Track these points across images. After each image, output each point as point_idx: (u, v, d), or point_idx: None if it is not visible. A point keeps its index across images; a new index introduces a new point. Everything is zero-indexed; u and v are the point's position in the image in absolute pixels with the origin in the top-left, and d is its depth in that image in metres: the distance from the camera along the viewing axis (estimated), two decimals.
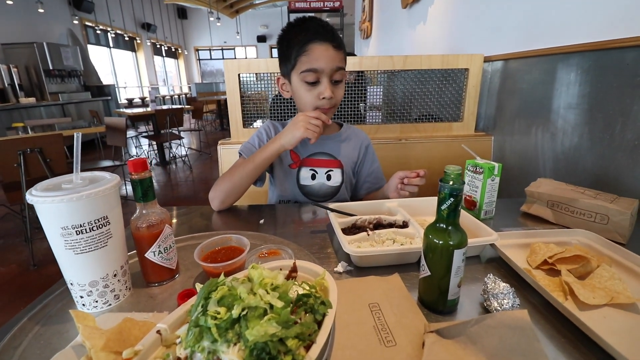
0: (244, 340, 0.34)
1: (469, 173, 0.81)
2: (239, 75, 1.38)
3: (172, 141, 4.67)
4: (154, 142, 4.44)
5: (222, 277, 0.40)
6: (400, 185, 0.84)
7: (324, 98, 0.87)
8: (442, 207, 0.46)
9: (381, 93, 1.61)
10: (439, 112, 1.50)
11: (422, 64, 1.40)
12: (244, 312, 0.36)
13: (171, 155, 4.83)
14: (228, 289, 0.38)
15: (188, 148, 5.40)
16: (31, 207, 2.79)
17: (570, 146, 1.04)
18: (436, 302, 0.49)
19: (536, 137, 1.19)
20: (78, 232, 0.46)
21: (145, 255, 0.55)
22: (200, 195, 3.46)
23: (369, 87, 1.60)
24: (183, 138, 4.76)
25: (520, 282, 0.56)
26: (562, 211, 0.75)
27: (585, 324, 0.43)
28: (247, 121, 1.46)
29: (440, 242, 0.46)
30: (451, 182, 0.45)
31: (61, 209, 0.45)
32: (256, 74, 1.42)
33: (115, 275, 0.52)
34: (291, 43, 0.87)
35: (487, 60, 1.41)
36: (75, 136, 0.49)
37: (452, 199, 0.45)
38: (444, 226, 0.47)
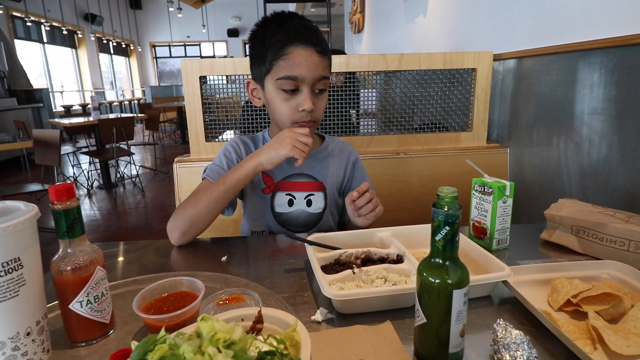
0: None
1: (476, 194, 0.83)
2: (200, 78, 1.40)
3: (120, 158, 4.62)
4: (97, 160, 4.39)
5: (162, 332, 0.39)
6: (356, 212, 0.87)
7: (303, 110, 0.88)
8: (437, 238, 0.47)
9: (375, 97, 1.66)
10: (444, 120, 1.55)
11: (421, 64, 1.46)
12: None
13: (118, 175, 4.78)
14: (169, 348, 0.38)
15: (140, 166, 5.36)
16: None
17: (598, 159, 1.08)
18: (435, 356, 0.49)
19: (558, 148, 1.23)
20: None
21: (70, 306, 0.53)
22: (154, 225, 3.41)
23: (361, 90, 1.64)
24: (134, 154, 4.73)
25: (539, 328, 0.56)
26: (590, 238, 0.77)
27: None
28: (210, 134, 1.47)
29: (437, 281, 0.47)
30: (446, 208, 0.46)
31: None
32: (224, 76, 1.45)
33: (28, 334, 0.50)
34: (267, 42, 0.88)
35: (497, 58, 1.48)
36: None
37: (447, 228, 0.46)
38: (440, 261, 0.47)
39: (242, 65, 1.39)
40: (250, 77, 0.99)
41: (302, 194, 1.01)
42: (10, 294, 0.47)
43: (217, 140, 1.48)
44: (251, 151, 1.04)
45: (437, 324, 0.48)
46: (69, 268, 0.53)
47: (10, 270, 0.47)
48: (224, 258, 0.82)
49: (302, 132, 0.85)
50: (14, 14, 7.21)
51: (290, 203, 1.01)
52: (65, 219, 0.52)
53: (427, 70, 1.48)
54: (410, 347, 0.53)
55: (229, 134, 1.52)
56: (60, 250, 0.54)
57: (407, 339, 0.55)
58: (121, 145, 4.40)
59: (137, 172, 4.85)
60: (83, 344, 0.56)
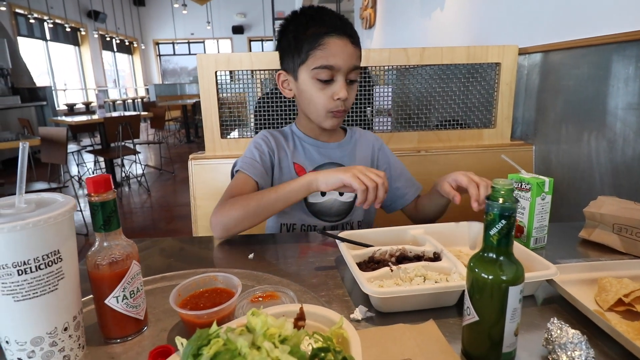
0: None
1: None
2: (216, 72, 1.40)
3: (125, 157, 4.65)
4: (102, 159, 4.42)
5: (214, 326, 0.39)
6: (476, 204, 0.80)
7: (338, 99, 0.92)
8: (491, 232, 0.46)
9: (391, 94, 1.65)
10: (466, 116, 1.54)
11: (443, 58, 1.45)
12: None
13: (124, 175, 4.81)
14: (224, 343, 0.37)
15: (145, 165, 5.39)
16: None
17: (633, 156, 1.07)
18: (487, 356, 0.48)
19: (589, 145, 1.22)
20: (21, 272, 0.45)
21: (106, 301, 0.53)
22: (161, 225, 3.42)
23: (376, 87, 1.63)
24: (139, 153, 4.75)
25: (590, 328, 0.55)
26: (633, 237, 0.76)
27: None
28: (225, 131, 1.47)
29: (491, 277, 0.46)
30: (501, 200, 0.45)
31: (0, 242, 0.44)
32: (231, 71, 1.44)
33: (66, 330, 0.50)
34: (301, 34, 0.92)
35: (522, 52, 1.46)
36: (20, 147, 0.49)
37: (503, 222, 0.45)
38: (494, 256, 0.47)
39: (259, 60, 1.39)
40: (279, 70, 1.02)
41: None
42: (49, 288, 0.47)
43: (230, 137, 1.48)
44: (281, 145, 1.06)
45: (490, 323, 0.47)
46: (105, 262, 0.53)
47: (50, 263, 0.47)
48: (251, 255, 0.82)
49: (376, 172, 0.81)
50: (17, 10, 7.29)
51: (323, 193, 1.03)
52: (103, 211, 0.52)
53: (449, 65, 1.48)
54: (456, 347, 0.53)
55: (245, 131, 1.52)
56: (97, 244, 0.54)
57: (452, 338, 0.54)
58: (126, 144, 4.43)
59: (143, 171, 4.88)
60: (118, 340, 0.56)
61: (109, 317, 0.55)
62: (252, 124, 1.54)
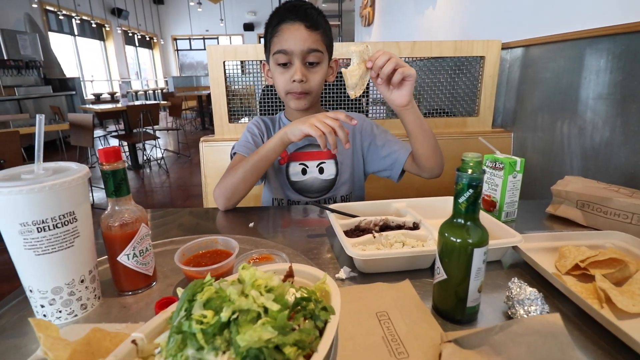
0: (234, 347, 0.33)
1: (487, 170, 0.82)
2: (224, 63, 1.39)
3: (146, 142, 4.66)
4: (125, 143, 4.43)
5: (208, 277, 0.40)
6: (380, 80, 0.78)
7: (294, 81, 0.91)
8: (460, 200, 0.46)
9: None
10: (452, 106, 1.52)
11: (432, 51, 1.42)
12: (235, 316, 0.35)
13: (145, 157, 4.82)
14: (215, 291, 0.38)
15: (164, 150, 5.39)
16: None
17: (601, 141, 1.06)
18: (453, 310, 0.49)
19: (562, 132, 1.21)
20: (40, 230, 0.46)
21: (118, 258, 0.54)
22: (178, 203, 3.44)
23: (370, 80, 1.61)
24: (159, 138, 4.75)
25: (549, 289, 0.56)
26: (594, 212, 0.76)
27: (625, 333, 0.43)
28: (233, 116, 1.47)
29: (458, 241, 0.46)
30: (470, 171, 0.45)
31: (19, 202, 0.44)
32: (242, 61, 1.43)
33: (82, 282, 0.51)
34: (268, 27, 0.95)
35: (505, 47, 1.44)
36: (37, 119, 0.49)
37: (471, 191, 0.45)
38: (462, 222, 0.47)
39: (262, 51, 1.37)
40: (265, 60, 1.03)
41: (314, 162, 1.04)
42: (66, 244, 0.48)
43: (238, 122, 1.48)
44: (270, 129, 1.08)
45: (457, 281, 0.48)
46: (117, 224, 0.53)
47: (66, 223, 0.48)
48: (251, 224, 0.82)
49: (332, 114, 0.80)
50: (48, 8, 7.19)
51: (304, 172, 1.04)
52: (113, 178, 0.53)
53: (438, 58, 1.45)
54: (428, 303, 0.53)
55: (250, 116, 1.52)
56: (109, 208, 0.54)
57: (425, 296, 0.55)
58: (147, 130, 4.42)
59: (162, 155, 4.89)
60: (130, 293, 0.57)
61: (121, 272, 0.56)
62: (258, 110, 1.54)
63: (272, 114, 1.48)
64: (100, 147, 0.53)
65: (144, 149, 4.88)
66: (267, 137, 1.05)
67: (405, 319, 0.49)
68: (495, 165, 0.80)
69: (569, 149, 1.18)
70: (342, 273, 0.60)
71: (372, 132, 1.07)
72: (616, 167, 1.01)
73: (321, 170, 1.04)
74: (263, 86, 1.51)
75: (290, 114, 1.08)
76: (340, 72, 1.44)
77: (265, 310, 0.37)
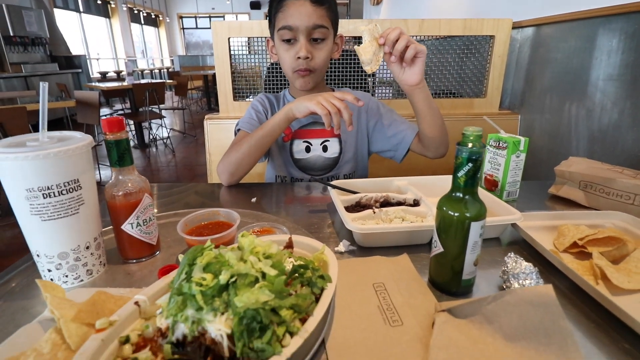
0: (232, 308, 0.34)
1: (490, 149, 0.81)
2: (229, 39, 1.37)
3: (152, 121, 4.66)
4: (132, 122, 4.44)
5: (208, 242, 0.41)
6: (394, 57, 0.78)
7: (299, 58, 0.90)
8: (459, 174, 0.46)
9: None
10: (459, 87, 1.49)
11: (441, 30, 1.39)
12: (233, 280, 0.36)
13: (151, 137, 4.83)
14: (215, 256, 0.39)
15: (170, 129, 5.40)
16: None
17: (609, 124, 1.04)
18: (449, 283, 0.50)
19: (570, 114, 1.19)
20: (45, 196, 0.47)
21: (122, 227, 0.55)
22: (184, 182, 3.47)
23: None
24: (164, 117, 4.75)
25: (545, 266, 0.56)
26: (596, 193, 0.76)
27: (619, 307, 0.43)
28: (238, 93, 1.46)
29: (456, 215, 0.47)
30: (470, 145, 0.45)
31: (25, 168, 0.45)
32: (248, 38, 1.41)
33: (87, 248, 0.52)
34: (273, 3, 0.93)
35: (516, 26, 1.40)
36: (40, 87, 0.49)
37: (470, 165, 0.45)
38: (461, 196, 0.47)
39: (268, 28, 1.35)
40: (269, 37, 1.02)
41: (318, 140, 1.03)
42: (71, 211, 0.49)
43: (243, 100, 1.47)
44: (274, 106, 1.07)
45: (453, 254, 0.48)
46: (120, 193, 0.54)
47: (71, 190, 0.49)
48: (253, 199, 0.83)
49: (339, 95, 0.80)
50: None
51: (307, 149, 1.04)
52: (117, 148, 0.53)
53: (446, 37, 1.42)
54: (424, 277, 0.54)
55: (255, 94, 1.51)
56: (113, 177, 0.55)
57: (422, 270, 0.56)
58: (153, 109, 4.42)
59: (168, 134, 4.90)
60: (134, 261, 0.58)
61: (125, 241, 0.57)
62: (263, 89, 1.53)
63: (277, 92, 1.47)
64: (106, 117, 0.53)
65: (150, 128, 4.89)
66: (271, 114, 1.05)
67: (401, 290, 0.50)
68: (499, 144, 0.79)
69: (576, 131, 1.17)
70: (342, 246, 0.61)
71: (379, 112, 1.06)
72: (623, 150, 1.00)
73: (325, 149, 1.04)
74: (268, 64, 1.49)
75: (295, 92, 1.07)
76: (346, 50, 1.42)
77: (263, 275, 0.38)
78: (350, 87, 1.44)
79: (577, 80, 1.15)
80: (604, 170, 0.77)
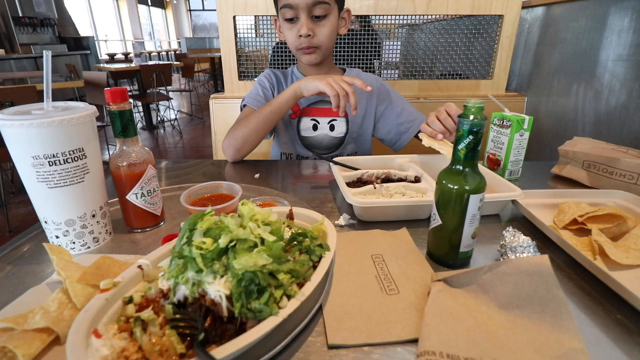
0: (231, 271, 0.35)
1: (494, 128, 0.80)
2: (234, 17, 1.34)
3: (160, 102, 4.65)
4: (140, 103, 4.43)
5: (209, 209, 0.41)
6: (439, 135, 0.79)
7: (300, 36, 0.89)
8: (459, 147, 0.46)
9: (399, 49, 1.57)
10: (465, 67, 1.46)
11: (448, 9, 1.35)
12: (233, 244, 0.37)
13: (159, 118, 4.83)
14: (215, 222, 0.39)
15: (178, 111, 5.39)
16: (4, 171, 2.84)
17: (616, 105, 1.02)
18: (446, 255, 0.50)
19: (577, 96, 1.16)
20: (51, 163, 0.47)
21: (127, 197, 0.56)
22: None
23: (385, 41, 1.56)
24: (172, 99, 4.74)
25: (544, 242, 0.56)
26: (600, 172, 0.74)
27: (615, 280, 0.43)
28: (243, 73, 1.44)
29: (455, 187, 0.46)
30: (471, 117, 0.44)
31: (31, 135, 0.45)
32: (255, 17, 1.39)
33: (93, 216, 0.53)
34: None
35: (526, 5, 1.36)
36: (44, 55, 0.49)
37: (471, 137, 0.44)
38: (460, 168, 0.46)
39: (273, 6, 1.32)
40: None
41: (326, 119, 1.02)
42: (77, 179, 0.50)
43: (248, 80, 1.46)
44: (281, 82, 1.06)
45: (451, 226, 0.48)
46: (125, 163, 0.55)
47: (76, 158, 0.49)
48: (257, 175, 0.83)
49: (348, 79, 0.81)
50: None
51: (315, 127, 1.03)
52: (120, 119, 0.53)
53: (454, 17, 1.38)
54: (423, 251, 0.54)
55: (260, 71, 1.49)
56: (117, 148, 0.55)
57: (421, 245, 0.56)
58: (160, 91, 4.40)
59: (176, 116, 4.90)
60: (139, 230, 0.59)
61: (130, 210, 0.58)
62: (269, 67, 1.51)
63: (285, 69, 1.45)
64: (109, 88, 0.53)
65: (158, 110, 4.88)
66: (278, 90, 1.04)
67: (399, 261, 0.50)
68: (502, 123, 0.78)
69: (582, 113, 1.14)
70: (342, 220, 0.61)
71: (389, 97, 1.06)
72: (629, 131, 0.98)
73: (332, 128, 1.03)
74: (275, 43, 1.47)
75: (303, 69, 1.06)
76: (352, 29, 1.39)
77: (262, 241, 0.38)
78: (356, 67, 1.42)
79: (586, 61, 1.12)
80: (608, 150, 0.75)
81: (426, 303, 0.41)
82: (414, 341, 0.38)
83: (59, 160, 0.47)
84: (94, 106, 0.52)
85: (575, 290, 0.46)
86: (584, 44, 1.13)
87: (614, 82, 1.03)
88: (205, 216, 0.39)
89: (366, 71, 1.43)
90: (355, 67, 1.27)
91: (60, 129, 0.46)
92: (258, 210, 0.42)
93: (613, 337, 0.39)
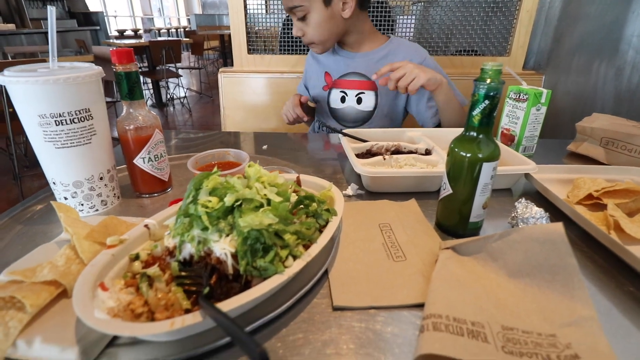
0: (237, 229, 0.34)
1: (510, 102, 0.77)
2: None
3: (169, 80, 4.63)
4: (149, 80, 4.42)
5: (215, 169, 0.40)
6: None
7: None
8: (474, 112, 0.44)
9: (413, 24, 1.52)
10: (482, 44, 1.41)
11: None
12: (238, 204, 0.36)
13: (168, 96, 4.82)
14: (220, 182, 0.39)
15: (187, 89, 5.36)
16: (18, 145, 2.88)
17: (639, 82, 0.97)
18: (456, 225, 0.49)
19: (598, 74, 1.11)
20: (58, 123, 0.47)
21: (134, 161, 0.56)
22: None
23: (398, 17, 1.50)
24: (181, 76, 4.71)
25: (557, 217, 0.54)
26: (618, 150, 0.72)
27: (630, 252, 0.42)
28: (252, 46, 1.42)
29: (468, 155, 0.45)
30: (488, 81, 0.42)
31: (37, 93, 0.45)
32: None
33: (101, 179, 0.53)
34: None
35: None
36: (48, 11, 0.48)
37: (487, 102, 0.43)
38: (474, 135, 0.45)
39: None
40: None
41: (354, 91, 1.01)
42: (84, 140, 0.49)
43: (258, 53, 1.43)
44: (317, 57, 1.08)
45: (462, 195, 0.47)
46: (132, 127, 0.54)
47: (82, 119, 0.48)
48: (264, 147, 0.83)
49: (295, 102, 0.96)
50: None
51: (343, 100, 1.02)
52: (127, 80, 0.52)
53: None
54: (431, 222, 0.53)
55: (270, 49, 1.46)
56: (124, 111, 0.55)
57: (430, 216, 0.55)
58: (170, 67, 4.37)
59: (185, 94, 4.88)
60: (146, 195, 0.59)
61: (138, 175, 0.57)
62: (278, 43, 1.47)
63: (294, 47, 1.42)
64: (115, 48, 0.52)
65: (168, 88, 4.86)
66: (311, 70, 1.08)
67: (407, 230, 0.49)
68: (519, 96, 0.75)
69: (602, 91, 1.10)
70: (350, 190, 0.60)
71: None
72: None
73: (359, 101, 1.01)
74: (285, 17, 1.43)
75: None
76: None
77: (268, 202, 0.38)
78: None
79: (609, 37, 1.07)
80: (628, 127, 0.72)
81: (433, 270, 0.40)
82: (420, 306, 0.37)
83: (66, 120, 0.47)
84: (100, 67, 0.51)
85: (588, 264, 0.45)
86: (608, 18, 1.07)
87: (637, 59, 0.98)
88: (212, 176, 0.38)
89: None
90: (400, 37, 1.20)
91: (66, 87, 0.46)
92: (265, 173, 0.41)
93: (624, 308, 0.38)
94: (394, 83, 0.79)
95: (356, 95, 1.01)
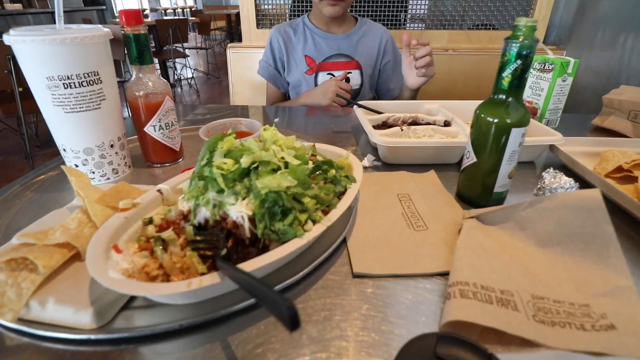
0: (253, 191, 0.33)
1: (533, 72, 0.74)
2: None
3: (177, 60, 4.58)
4: (157, 60, 4.37)
5: (230, 131, 0.39)
6: (413, 64, 0.83)
7: None
8: (504, 74, 0.41)
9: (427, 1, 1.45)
10: (501, 17, 1.35)
11: None
12: (255, 166, 0.34)
13: (176, 77, 4.78)
14: (235, 145, 0.37)
15: (194, 70, 5.31)
16: (29, 125, 2.89)
17: None
18: (479, 196, 0.47)
19: (623, 48, 1.06)
20: (66, 86, 0.45)
21: (145, 129, 0.54)
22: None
23: None
24: (188, 56, 4.65)
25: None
26: None
27: None
28: (261, 21, 1.38)
29: (495, 120, 0.42)
30: (521, 38, 0.39)
31: (44, 53, 0.43)
32: None
33: (112, 147, 0.52)
34: None
35: None
36: None
37: (519, 62, 0.40)
38: (503, 98, 0.42)
39: None
40: None
41: (341, 72, 1.02)
42: (93, 105, 0.48)
43: (266, 28, 1.39)
44: (290, 39, 1.04)
45: (487, 163, 0.44)
46: (141, 93, 0.52)
47: (91, 82, 0.47)
48: (276, 120, 0.80)
49: (345, 86, 0.90)
50: None
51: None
52: (136, 43, 0.50)
53: None
54: (452, 193, 0.51)
55: (279, 22, 1.42)
56: (133, 76, 0.53)
57: (450, 189, 0.52)
58: (177, 47, 4.32)
59: (193, 74, 4.83)
60: (158, 165, 0.58)
61: (148, 144, 0.56)
62: (287, 16, 1.43)
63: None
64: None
65: (175, 68, 4.82)
66: (287, 51, 1.03)
67: (427, 200, 0.48)
68: (544, 67, 0.71)
69: (628, 66, 1.04)
70: (366, 161, 0.58)
71: (395, 54, 1.08)
72: None
73: (347, 80, 1.03)
74: None
75: (316, 19, 1.04)
76: None
77: (286, 165, 0.36)
78: (379, 19, 1.33)
79: (637, 7, 1.01)
80: None
81: (457, 239, 0.38)
82: (443, 274, 0.36)
83: (74, 83, 0.45)
84: (108, 29, 0.49)
85: (617, 235, 0.43)
86: None
87: None
88: (227, 137, 0.37)
89: (389, 24, 1.34)
90: (378, 22, 1.20)
91: (73, 48, 0.44)
92: (281, 137, 0.39)
93: None
94: (420, 62, 0.82)
95: None
